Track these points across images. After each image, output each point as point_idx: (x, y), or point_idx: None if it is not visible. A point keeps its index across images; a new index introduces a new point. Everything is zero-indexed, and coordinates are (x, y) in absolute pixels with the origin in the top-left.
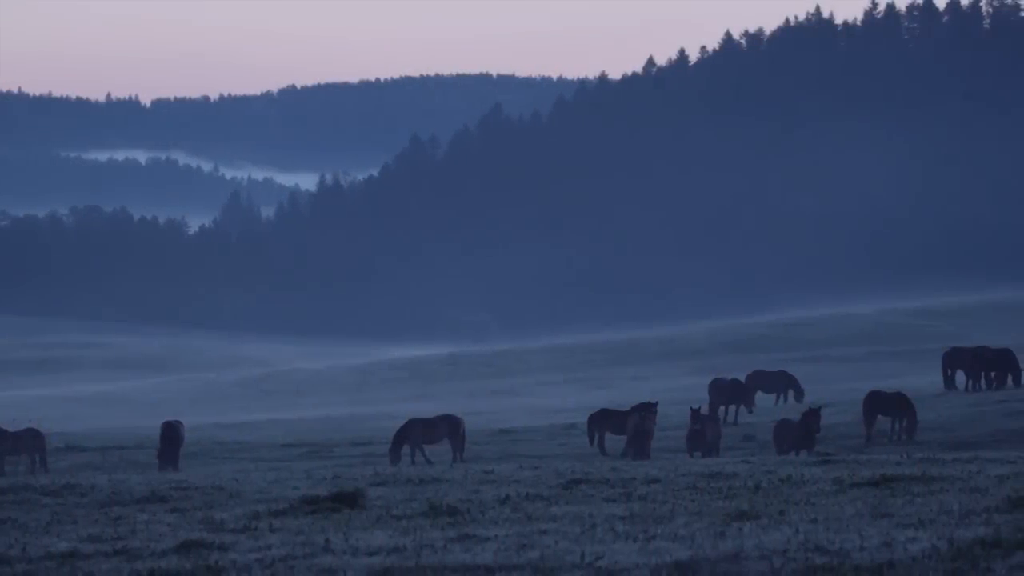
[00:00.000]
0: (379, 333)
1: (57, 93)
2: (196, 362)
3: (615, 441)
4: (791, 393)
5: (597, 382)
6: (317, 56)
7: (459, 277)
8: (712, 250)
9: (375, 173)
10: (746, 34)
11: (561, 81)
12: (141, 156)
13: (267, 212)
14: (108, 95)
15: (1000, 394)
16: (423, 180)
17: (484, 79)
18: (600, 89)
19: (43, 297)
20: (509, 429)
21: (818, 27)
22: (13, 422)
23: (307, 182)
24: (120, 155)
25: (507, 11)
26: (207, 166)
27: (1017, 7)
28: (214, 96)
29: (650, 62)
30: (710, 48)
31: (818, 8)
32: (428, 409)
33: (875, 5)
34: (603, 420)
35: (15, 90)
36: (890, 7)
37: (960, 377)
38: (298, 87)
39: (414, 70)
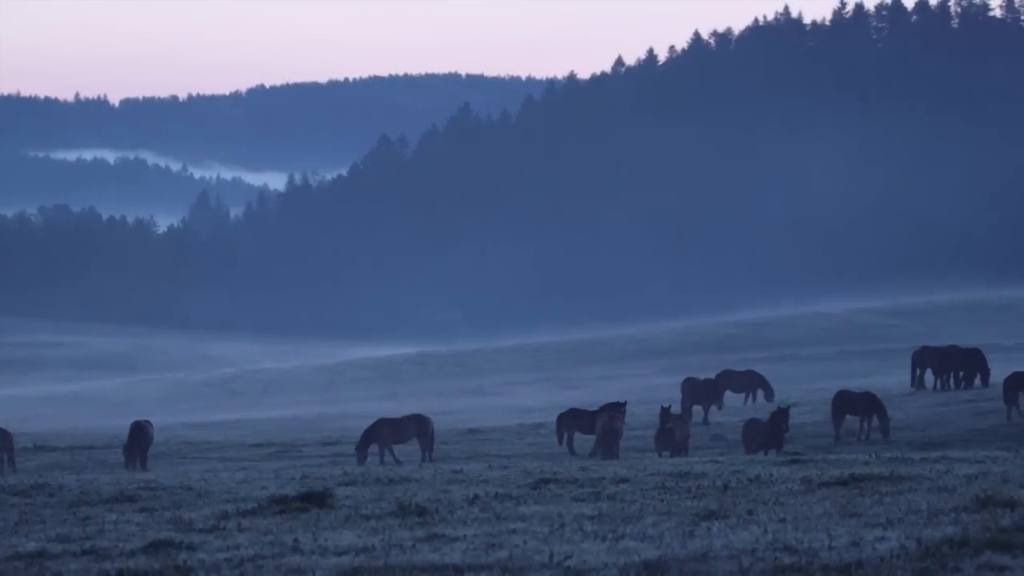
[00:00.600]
0: (348, 333)
1: (25, 92)
2: (164, 362)
3: (584, 441)
4: (760, 392)
5: (566, 381)
6: (286, 56)
7: (428, 276)
8: (681, 249)
9: (344, 173)
10: (715, 34)
11: (530, 81)
12: (110, 156)
13: (236, 212)
14: (77, 95)
15: (968, 393)
16: (392, 180)
17: (453, 79)
18: (569, 89)
19: (11, 297)
20: (478, 428)
21: (787, 27)
22: None
23: (276, 182)
24: (88, 155)
25: (476, 11)
26: (176, 166)
27: (985, 7)
28: (183, 96)
29: (619, 62)
30: (679, 48)
31: (787, 8)
32: (397, 409)
33: (844, 5)
34: (572, 420)
35: None
36: (859, 7)
37: (929, 377)
38: (267, 87)
39: (383, 70)
